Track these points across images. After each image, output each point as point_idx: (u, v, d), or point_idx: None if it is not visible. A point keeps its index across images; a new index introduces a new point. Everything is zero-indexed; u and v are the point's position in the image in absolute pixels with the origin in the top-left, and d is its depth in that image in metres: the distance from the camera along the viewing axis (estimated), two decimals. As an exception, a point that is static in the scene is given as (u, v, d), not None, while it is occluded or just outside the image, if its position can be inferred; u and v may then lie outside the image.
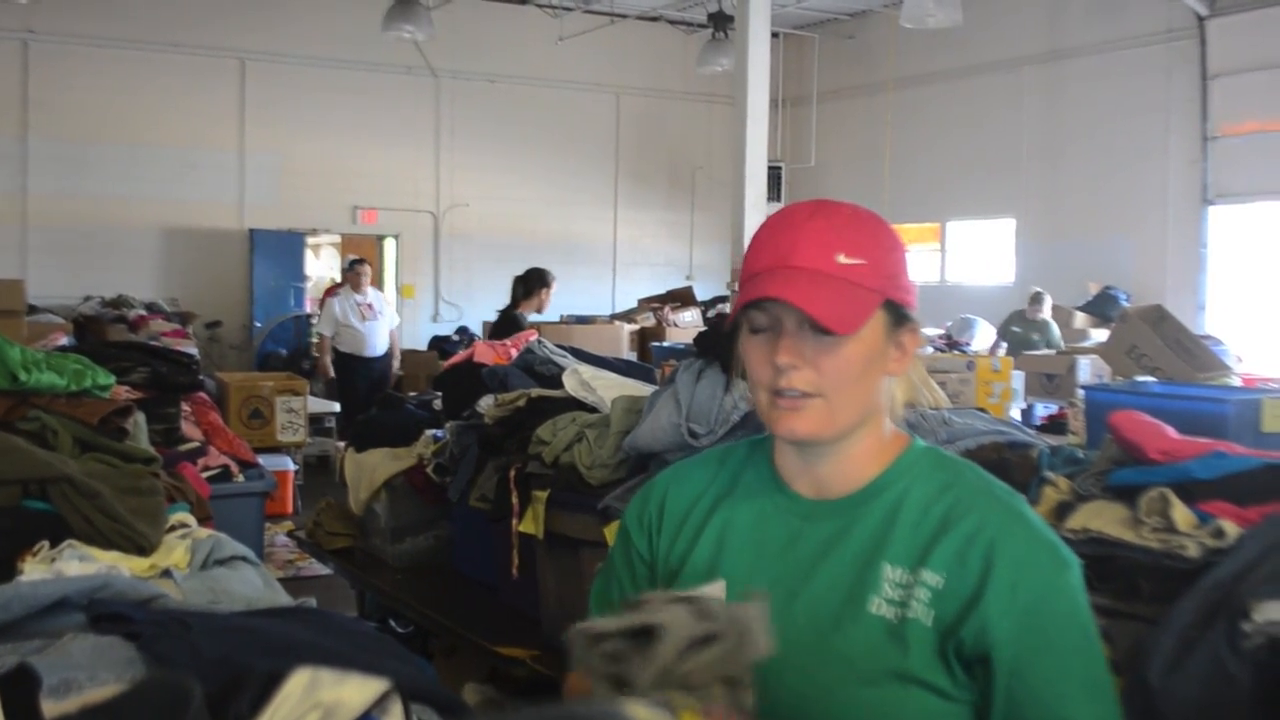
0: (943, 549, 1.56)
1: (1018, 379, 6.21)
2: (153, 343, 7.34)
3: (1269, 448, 2.95)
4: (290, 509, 8.93)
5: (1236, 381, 5.67)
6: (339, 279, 18.05)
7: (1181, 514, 2.42)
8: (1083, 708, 1.51)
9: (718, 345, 3.37)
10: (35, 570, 2.12)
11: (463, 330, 15.25)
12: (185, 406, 4.69)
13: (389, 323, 12.00)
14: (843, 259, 1.57)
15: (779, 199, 16.35)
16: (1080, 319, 12.25)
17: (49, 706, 1.34)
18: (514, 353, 4.80)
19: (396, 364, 12.40)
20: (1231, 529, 2.35)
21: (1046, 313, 12.29)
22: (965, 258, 16.40)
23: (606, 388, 3.95)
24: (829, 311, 1.54)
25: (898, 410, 1.72)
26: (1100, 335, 10.07)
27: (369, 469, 4.72)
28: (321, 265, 18.74)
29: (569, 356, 4.53)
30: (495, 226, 16.78)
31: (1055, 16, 14.65)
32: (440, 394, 5.00)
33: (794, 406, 1.58)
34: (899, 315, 1.62)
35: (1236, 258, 13.25)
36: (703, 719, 1.30)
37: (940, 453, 1.71)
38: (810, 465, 1.66)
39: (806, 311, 1.54)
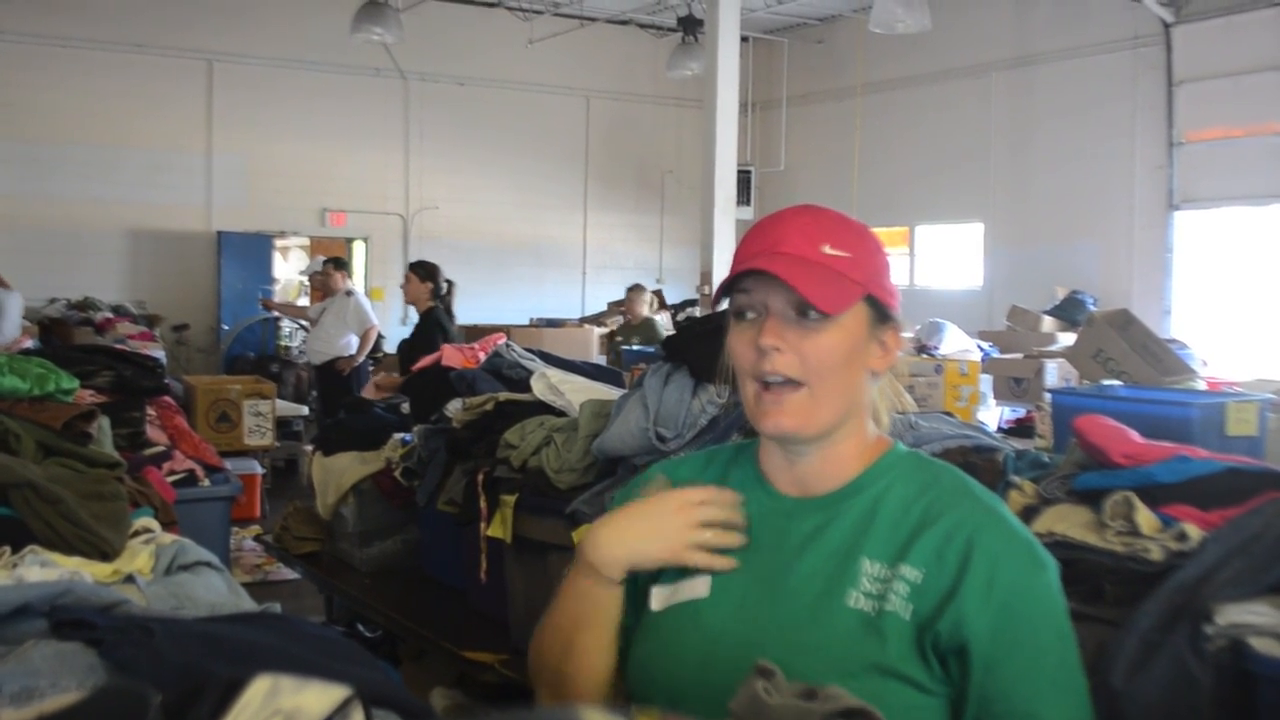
0: (922, 545, 1.58)
1: (985, 383, 6.24)
2: (118, 346, 7.28)
3: (1233, 451, 2.98)
4: (258, 513, 8.88)
5: (1202, 386, 5.69)
6: (308, 281, 17.95)
7: (1145, 517, 2.43)
8: (1053, 706, 1.53)
9: (686, 349, 3.37)
10: (-4, 576, 2.10)
11: (432, 333, 15.19)
12: (150, 410, 4.65)
13: None
14: (828, 249, 1.61)
15: (748, 202, 16.39)
16: (1047, 323, 12.29)
17: (8, 714, 1.33)
18: (482, 356, 4.79)
19: None
20: (1195, 532, 2.37)
21: (646, 309, 11.38)
22: (934, 262, 16.45)
23: (574, 391, 3.94)
24: (814, 289, 1.57)
25: (884, 417, 1.76)
26: (1067, 339, 10.11)
27: (337, 473, 4.70)
28: (290, 268, 18.63)
29: (537, 360, 4.52)
30: (464, 229, 16.74)
31: (1022, 22, 14.72)
32: (408, 398, 4.98)
33: (778, 401, 1.61)
34: (881, 313, 1.66)
35: (1202, 263, 13.34)
36: None
37: (921, 456, 1.75)
38: (794, 463, 1.69)
39: (791, 284, 1.57)
